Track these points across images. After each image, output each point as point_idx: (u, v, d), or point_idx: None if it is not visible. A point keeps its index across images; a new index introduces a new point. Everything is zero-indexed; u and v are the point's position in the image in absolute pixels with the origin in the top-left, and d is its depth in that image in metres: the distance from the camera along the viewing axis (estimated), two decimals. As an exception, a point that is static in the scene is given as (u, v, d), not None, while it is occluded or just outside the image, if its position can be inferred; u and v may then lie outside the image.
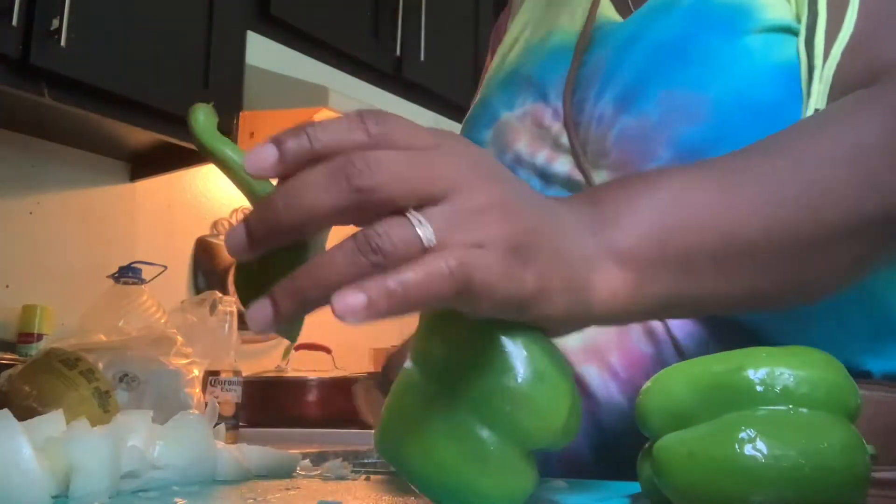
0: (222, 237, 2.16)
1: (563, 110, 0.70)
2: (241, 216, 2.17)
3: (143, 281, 1.67)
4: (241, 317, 1.85)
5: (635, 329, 0.61)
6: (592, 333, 0.60)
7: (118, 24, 1.52)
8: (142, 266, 1.68)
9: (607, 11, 0.74)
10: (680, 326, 0.59)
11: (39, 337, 1.66)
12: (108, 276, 1.67)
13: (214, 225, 2.15)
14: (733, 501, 0.36)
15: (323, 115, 1.99)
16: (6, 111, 1.60)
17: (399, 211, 0.35)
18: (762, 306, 0.51)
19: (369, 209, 0.35)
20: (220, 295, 1.71)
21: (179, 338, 1.46)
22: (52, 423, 0.55)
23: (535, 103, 0.73)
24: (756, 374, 0.38)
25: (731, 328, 0.58)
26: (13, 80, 1.38)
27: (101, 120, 1.55)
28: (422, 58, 2.10)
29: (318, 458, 0.64)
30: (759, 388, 0.38)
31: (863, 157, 0.47)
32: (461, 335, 0.38)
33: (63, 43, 1.38)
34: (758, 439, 0.36)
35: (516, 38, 0.84)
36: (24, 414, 0.55)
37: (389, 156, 0.35)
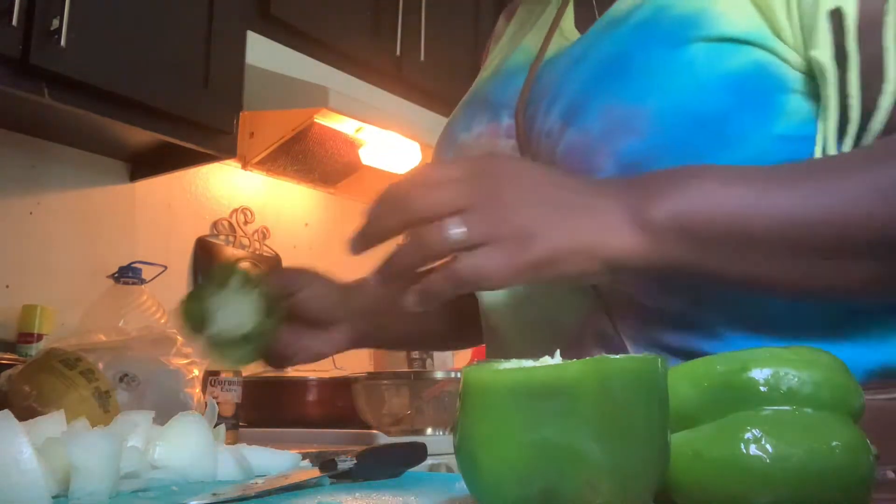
0: (222, 237, 2.16)
1: (515, 127, 0.71)
2: (241, 216, 2.17)
3: (143, 281, 1.67)
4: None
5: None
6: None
7: (118, 24, 1.51)
8: (142, 266, 1.68)
9: (568, 29, 0.75)
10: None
11: (39, 337, 1.65)
12: (108, 276, 1.67)
13: (214, 225, 2.15)
14: (739, 501, 0.36)
15: (323, 115, 1.98)
16: (6, 111, 1.60)
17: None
18: (772, 293, 0.57)
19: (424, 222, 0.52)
20: (220, 295, 1.70)
21: (179, 338, 1.46)
22: (52, 423, 0.55)
23: (490, 124, 0.74)
24: (760, 375, 0.38)
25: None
26: (13, 80, 1.37)
27: (101, 120, 1.55)
28: (422, 58, 2.09)
29: (318, 458, 0.64)
30: (763, 389, 0.38)
31: (880, 193, 0.51)
32: None
33: (63, 43, 1.38)
34: (763, 439, 0.36)
35: (490, 63, 0.88)
36: (24, 414, 0.55)
37: (431, 190, 0.53)
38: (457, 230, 0.51)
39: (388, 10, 2.06)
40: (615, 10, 0.69)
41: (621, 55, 0.65)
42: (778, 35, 0.60)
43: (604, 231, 0.53)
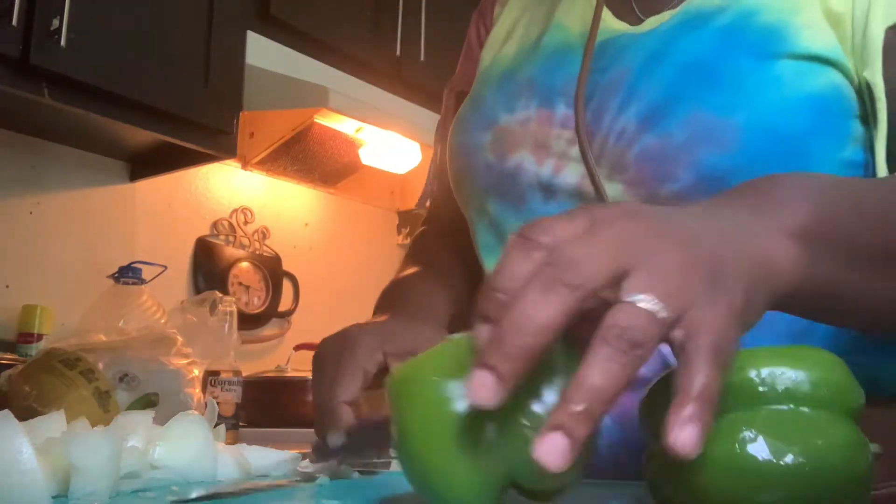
0: (222, 237, 2.15)
1: (574, 119, 0.68)
2: (241, 216, 2.17)
3: (143, 281, 1.67)
4: (240, 317, 1.85)
5: None
6: None
7: (118, 24, 1.52)
8: (142, 266, 1.68)
9: (606, 17, 0.72)
10: None
11: (39, 337, 1.66)
12: (108, 276, 1.67)
13: (214, 225, 2.15)
14: (736, 501, 0.36)
15: (323, 115, 1.98)
16: (6, 111, 1.60)
17: (603, 301, 0.34)
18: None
19: (584, 305, 0.34)
20: (220, 295, 1.71)
21: (179, 338, 1.46)
22: (52, 423, 0.55)
23: (540, 109, 0.70)
24: (758, 374, 0.38)
25: None
26: (13, 80, 1.38)
27: (101, 120, 1.55)
28: (422, 58, 2.09)
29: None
30: (761, 388, 0.38)
31: None
32: None
33: (63, 43, 1.38)
34: (759, 439, 0.36)
35: (509, 31, 0.82)
36: (24, 414, 0.55)
37: (577, 248, 0.34)
38: (652, 305, 0.33)
39: (388, 10, 2.06)
40: (691, 7, 0.67)
41: (707, 61, 0.63)
42: (847, 55, 0.61)
43: (764, 248, 0.41)
